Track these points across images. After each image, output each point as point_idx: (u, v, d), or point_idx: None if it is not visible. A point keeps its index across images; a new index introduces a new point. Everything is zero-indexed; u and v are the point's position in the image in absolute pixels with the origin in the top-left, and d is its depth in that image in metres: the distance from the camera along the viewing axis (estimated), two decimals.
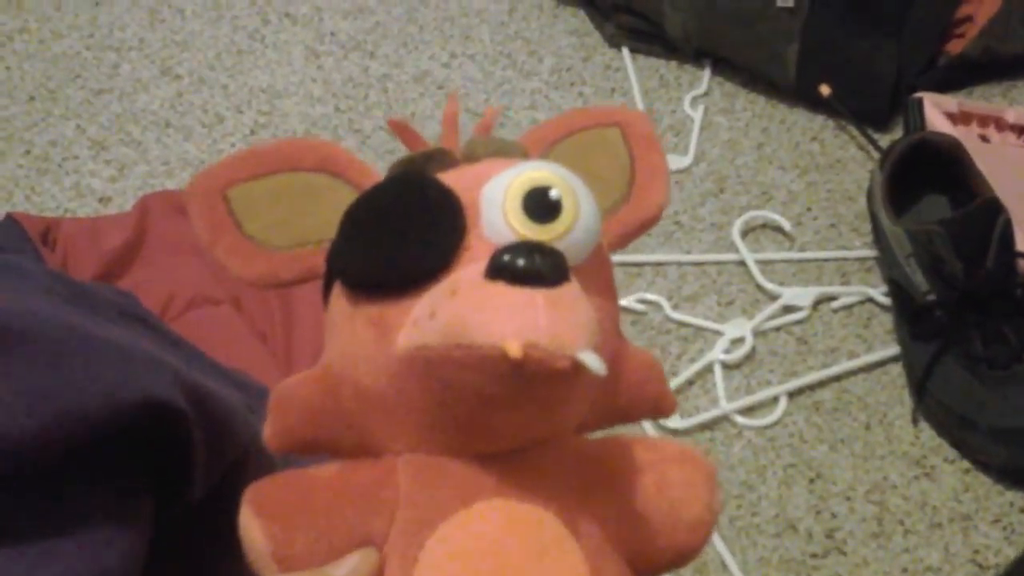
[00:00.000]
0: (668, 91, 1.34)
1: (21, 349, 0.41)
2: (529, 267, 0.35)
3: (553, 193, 0.38)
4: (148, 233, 1.12)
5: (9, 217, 1.08)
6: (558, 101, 1.33)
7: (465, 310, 0.35)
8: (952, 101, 1.24)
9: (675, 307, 1.13)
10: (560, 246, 0.37)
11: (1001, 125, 1.25)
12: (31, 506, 0.42)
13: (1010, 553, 0.94)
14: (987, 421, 0.99)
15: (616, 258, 1.15)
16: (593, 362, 0.34)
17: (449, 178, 0.40)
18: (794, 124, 1.30)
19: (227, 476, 0.55)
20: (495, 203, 0.38)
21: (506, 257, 0.35)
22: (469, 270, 0.36)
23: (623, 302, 1.12)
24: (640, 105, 1.32)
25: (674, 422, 1.03)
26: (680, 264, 1.17)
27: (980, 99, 1.32)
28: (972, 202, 1.06)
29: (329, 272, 0.42)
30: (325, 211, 0.42)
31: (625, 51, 1.38)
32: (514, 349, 0.33)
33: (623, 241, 0.47)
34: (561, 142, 0.48)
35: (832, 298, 1.14)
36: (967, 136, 1.20)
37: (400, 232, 0.38)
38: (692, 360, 1.08)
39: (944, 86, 1.28)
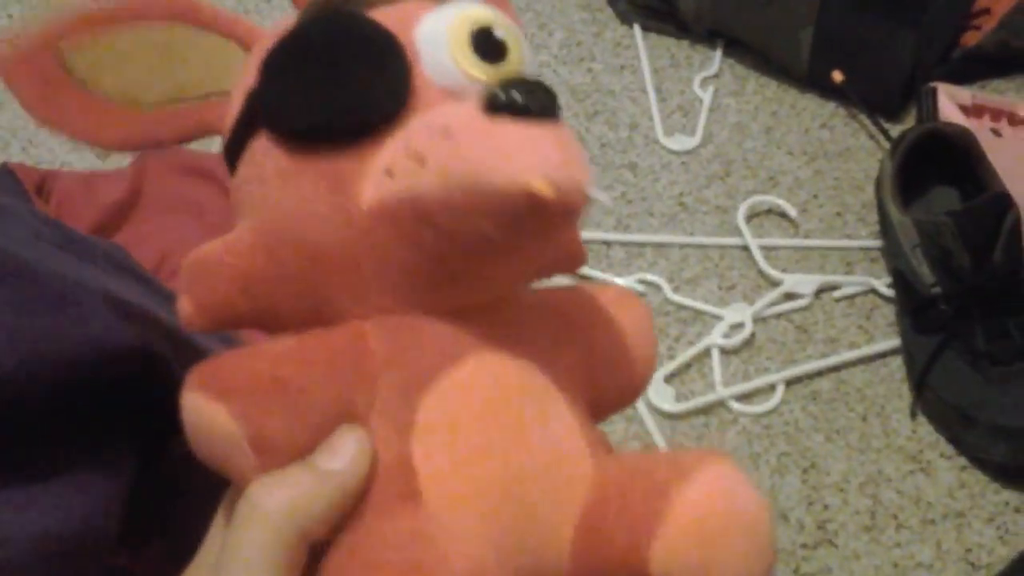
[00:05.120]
0: (678, 71, 1.33)
1: (1, 290, 0.40)
2: (533, 102, 0.33)
3: (498, 33, 0.36)
4: (145, 190, 1.11)
5: (4, 167, 1.06)
6: (567, 76, 1.31)
7: (473, 151, 0.32)
8: (966, 93, 1.23)
9: (675, 289, 1.11)
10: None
11: (1014, 120, 1.23)
12: (7, 450, 0.41)
13: (1003, 553, 0.92)
14: (986, 418, 0.97)
15: (618, 237, 1.14)
16: (602, 196, 0.33)
17: (379, 15, 0.37)
18: (804, 110, 1.28)
19: None
20: (439, 44, 0.36)
21: (505, 94, 0.33)
22: (455, 110, 0.34)
23: (624, 281, 1.11)
24: (649, 83, 1.30)
25: (669, 405, 1.02)
26: (682, 246, 1.15)
27: (994, 93, 1.30)
28: (982, 195, 1.04)
29: (244, 127, 0.37)
30: (197, 65, 0.38)
31: (636, 28, 1.36)
32: (544, 187, 0.31)
33: None
34: None
35: (835, 287, 1.12)
36: (979, 129, 1.19)
37: (346, 74, 0.35)
38: (690, 343, 1.07)
39: (958, 78, 1.26)
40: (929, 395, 1.02)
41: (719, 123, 1.27)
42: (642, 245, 1.15)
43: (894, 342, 1.07)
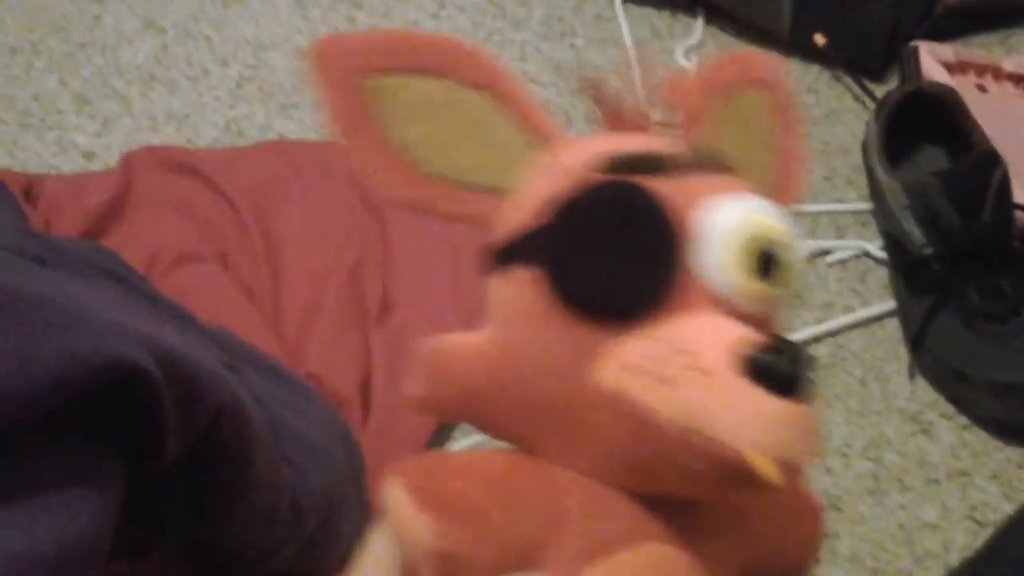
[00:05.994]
0: (661, 41, 1.32)
1: None
2: (791, 377, 0.34)
3: (780, 251, 0.37)
4: (132, 190, 1.11)
5: None
6: (548, 52, 1.30)
7: (718, 404, 0.34)
8: (949, 50, 1.23)
9: None
10: (767, 304, 0.37)
11: (999, 74, 1.23)
12: None
13: (1008, 509, 0.93)
14: (984, 375, 0.98)
15: None
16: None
17: (672, 190, 0.37)
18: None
19: (203, 433, 0.54)
20: (718, 245, 0.37)
21: (767, 357, 0.34)
22: (717, 352, 0.35)
23: None
24: (632, 56, 1.29)
25: None
26: None
27: (978, 48, 1.30)
28: (969, 153, 1.05)
29: (519, 252, 0.39)
30: (488, 149, 0.40)
31: (617, 1, 1.36)
32: (763, 466, 0.33)
33: None
34: (724, 113, 0.46)
35: (827, 252, 1.12)
36: (964, 86, 1.19)
37: (627, 257, 0.36)
38: None
39: (941, 35, 1.26)
40: (926, 355, 1.02)
41: None
42: None
43: (889, 304, 1.08)
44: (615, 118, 0.42)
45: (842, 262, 1.12)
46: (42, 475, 0.43)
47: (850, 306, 1.08)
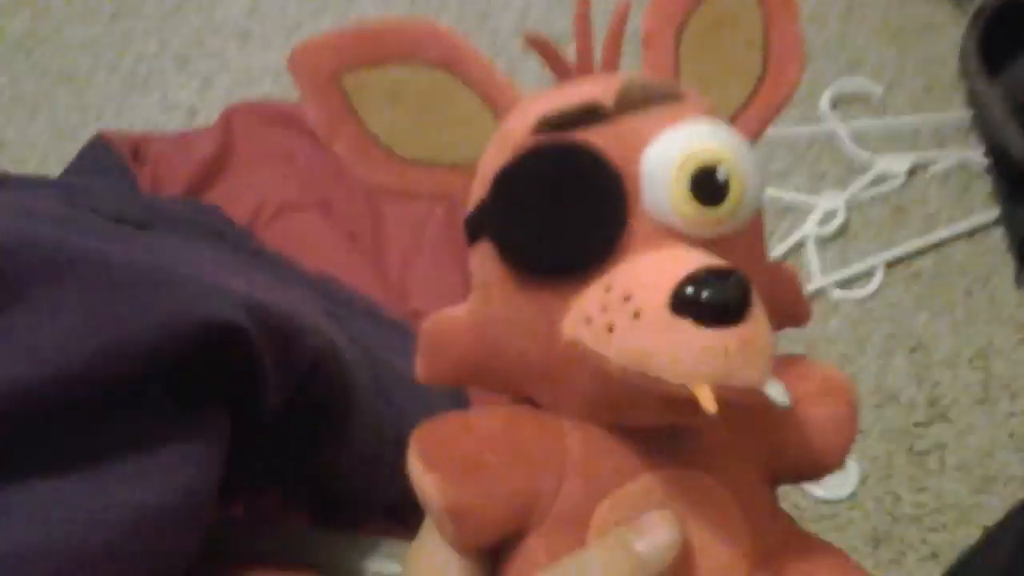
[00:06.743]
0: None
1: (74, 280, 0.42)
2: (718, 306, 0.34)
3: (721, 173, 0.37)
4: (234, 144, 1.13)
5: (99, 137, 1.09)
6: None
7: (651, 344, 0.34)
8: None
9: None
10: (724, 226, 0.37)
11: None
12: (103, 430, 0.43)
13: None
14: None
15: None
16: (779, 396, 0.34)
17: (606, 140, 0.38)
18: None
19: (302, 383, 0.56)
20: (660, 181, 0.37)
21: (690, 290, 0.34)
22: (649, 292, 0.35)
23: None
24: None
25: None
26: (767, 139, 1.14)
27: None
28: None
29: (478, 225, 0.40)
30: (455, 126, 0.41)
31: None
32: (706, 398, 0.33)
33: (760, 131, 0.45)
34: (691, 21, 0.44)
35: (928, 164, 1.11)
36: None
37: (567, 217, 0.37)
38: (784, 237, 1.07)
39: None
40: None
41: None
42: None
43: (994, 213, 1.06)
44: (562, 69, 0.43)
45: (944, 173, 1.10)
46: (152, 431, 0.45)
47: (953, 217, 1.07)
